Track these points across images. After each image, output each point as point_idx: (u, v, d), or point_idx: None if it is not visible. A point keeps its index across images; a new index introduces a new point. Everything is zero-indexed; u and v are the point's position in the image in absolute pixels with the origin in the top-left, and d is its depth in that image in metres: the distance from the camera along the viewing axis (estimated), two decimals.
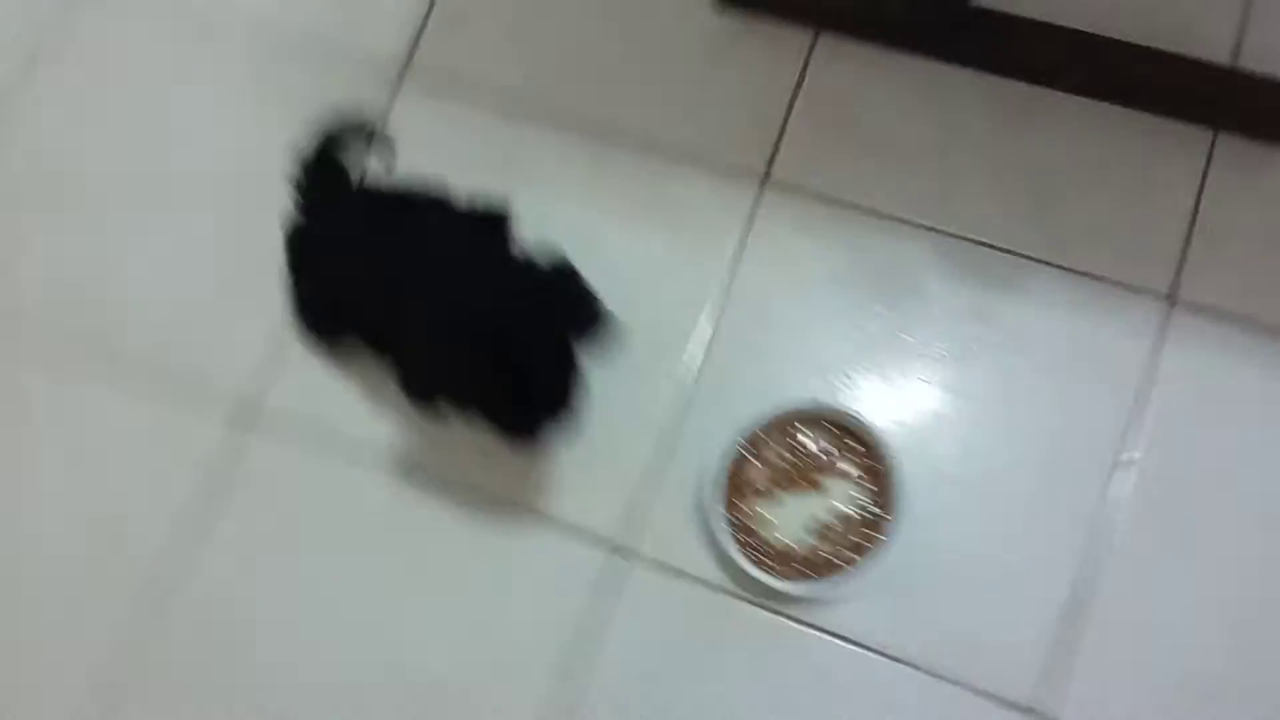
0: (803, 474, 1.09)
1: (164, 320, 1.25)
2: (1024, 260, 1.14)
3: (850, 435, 1.09)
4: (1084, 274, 1.13)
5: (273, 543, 1.17)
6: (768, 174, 1.20)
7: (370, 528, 1.16)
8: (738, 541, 1.07)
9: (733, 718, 1.07)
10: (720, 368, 1.15)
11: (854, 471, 1.08)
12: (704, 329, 1.17)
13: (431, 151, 1.24)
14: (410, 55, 1.29)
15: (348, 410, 1.19)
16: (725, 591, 1.09)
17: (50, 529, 1.21)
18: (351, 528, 1.16)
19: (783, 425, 1.10)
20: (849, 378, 1.13)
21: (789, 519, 1.08)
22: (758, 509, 1.08)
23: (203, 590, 1.17)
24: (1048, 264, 1.14)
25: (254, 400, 1.20)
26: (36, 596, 1.19)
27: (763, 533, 1.07)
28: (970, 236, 1.16)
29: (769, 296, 1.17)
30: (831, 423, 1.09)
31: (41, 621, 1.18)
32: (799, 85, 1.22)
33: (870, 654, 1.06)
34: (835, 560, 1.06)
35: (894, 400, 1.12)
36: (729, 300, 1.17)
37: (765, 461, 1.09)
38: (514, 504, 1.14)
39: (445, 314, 0.98)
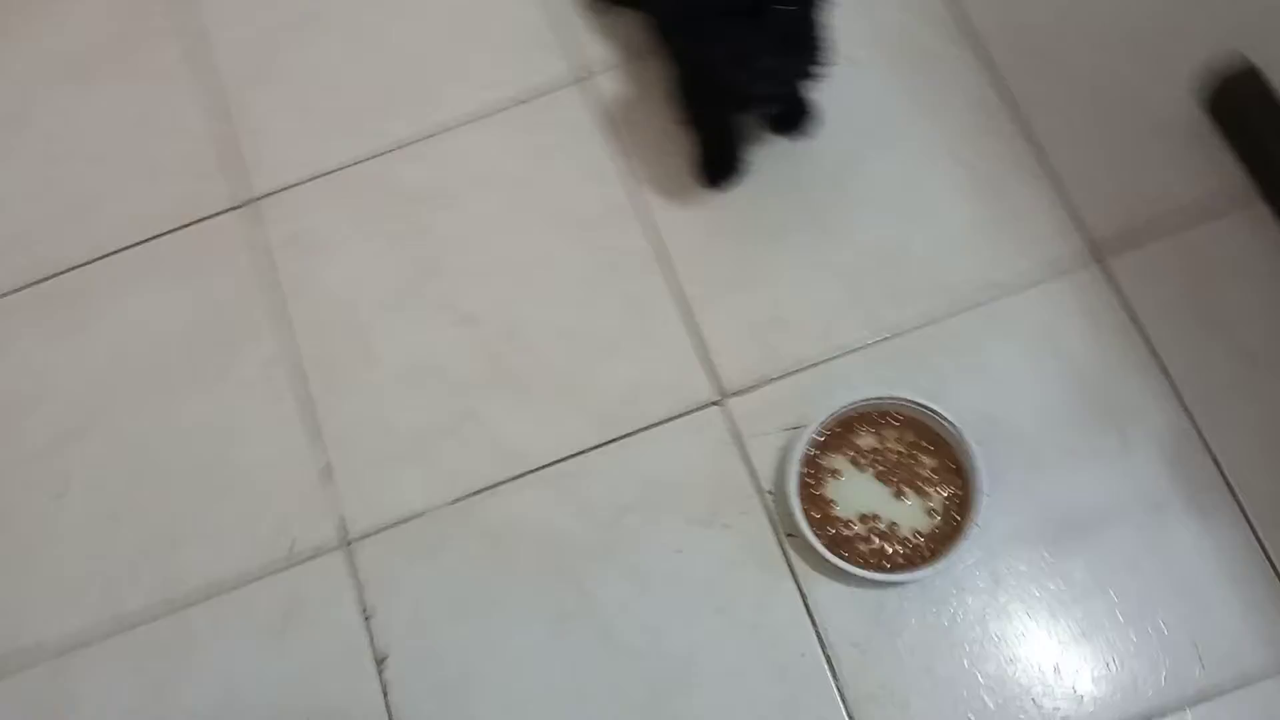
0: (898, 473, 1.09)
1: None
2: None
3: (959, 483, 1.08)
4: None
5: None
6: (1101, 256, 1.17)
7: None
8: (802, 477, 1.09)
9: (669, 591, 1.11)
10: (909, 344, 1.16)
11: (937, 509, 1.08)
12: (936, 309, 1.17)
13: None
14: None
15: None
16: (759, 500, 1.13)
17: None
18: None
19: (921, 426, 1.10)
20: (998, 444, 1.11)
21: (857, 494, 1.09)
22: (840, 466, 1.10)
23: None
24: None
25: None
26: None
27: (828, 484, 1.10)
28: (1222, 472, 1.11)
29: (1004, 338, 1.16)
30: (956, 461, 1.09)
31: None
32: (1198, 221, 1.17)
33: (814, 636, 1.08)
34: (864, 553, 1.07)
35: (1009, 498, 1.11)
36: (976, 303, 1.17)
37: (881, 438, 1.11)
38: (683, 294, 1.21)
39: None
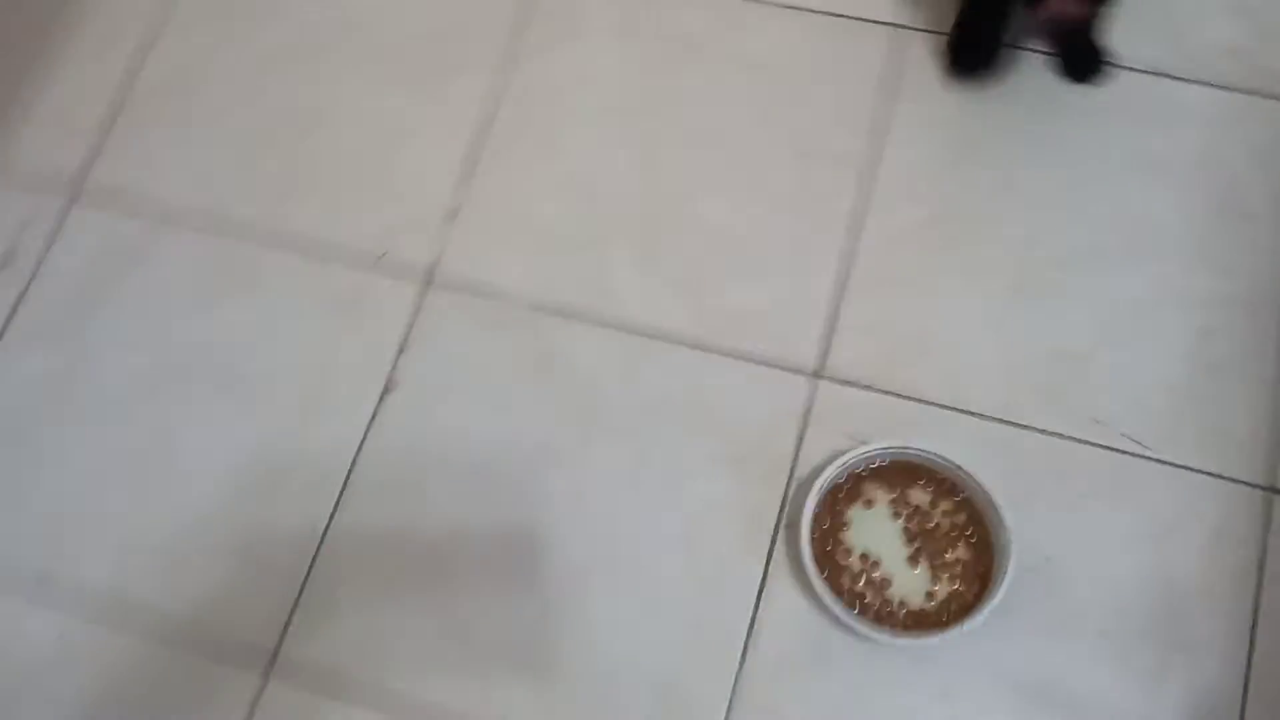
0: (927, 542, 1.01)
1: None
2: None
3: (977, 588, 0.99)
4: None
5: None
6: (1274, 490, 1.03)
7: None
8: (836, 485, 1.03)
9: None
10: (1024, 442, 1.06)
11: (939, 596, 0.99)
12: (1074, 429, 1.07)
13: None
14: None
15: None
16: (785, 480, 1.06)
17: None
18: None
19: (979, 518, 1.01)
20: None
21: (875, 534, 1.01)
22: (878, 499, 1.03)
23: None
24: None
25: None
26: None
27: (855, 509, 1.02)
28: None
29: (1117, 498, 1.04)
30: (988, 568, 0.99)
31: None
32: None
33: (747, 623, 1.02)
34: (843, 586, 1.00)
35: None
36: (1116, 449, 1.06)
37: (934, 503, 1.02)
38: (851, 267, 1.14)
39: None
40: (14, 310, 1.19)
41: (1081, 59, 1.19)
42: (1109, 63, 1.19)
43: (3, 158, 1.26)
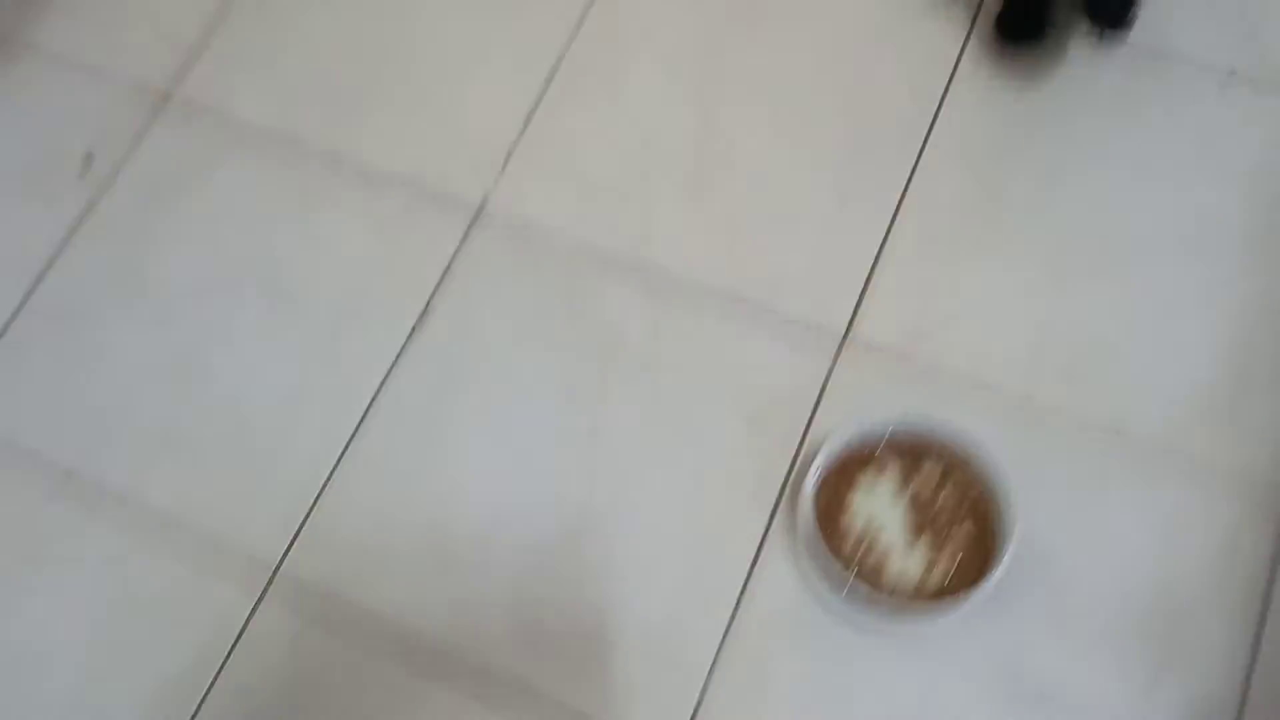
0: (931, 519, 1.01)
1: None
2: None
3: (973, 574, 0.99)
4: None
5: None
6: None
7: None
8: (851, 448, 1.02)
9: None
10: (1043, 429, 1.05)
11: (932, 577, 0.99)
12: (1096, 419, 1.05)
13: None
14: None
15: None
16: (798, 441, 1.07)
17: None
18: None
19: (991, 502, 1.00)
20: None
21: (879, 504, 1.01)
22: (891, 467, 1.03)
23: None
24: None
25: None
26: None
27: (867, 473, 1.03)
28: None
29: (1136, 499, 1.03)
30: (989, 553, 0.99)
31: None
32: None
33: (739, 588, 1.03)
34: (842, 551, 1.01)
35: None
36: (1139, 446, 1.04)
37: (946, 480, 1.02)
38: (892, 228, 1.14)
39: None
40: (86, 212, 1.24)
41: (1107, 4, 1.16)
42: (1134, 12, 1.15)
43: (98, 62, 1.32)
